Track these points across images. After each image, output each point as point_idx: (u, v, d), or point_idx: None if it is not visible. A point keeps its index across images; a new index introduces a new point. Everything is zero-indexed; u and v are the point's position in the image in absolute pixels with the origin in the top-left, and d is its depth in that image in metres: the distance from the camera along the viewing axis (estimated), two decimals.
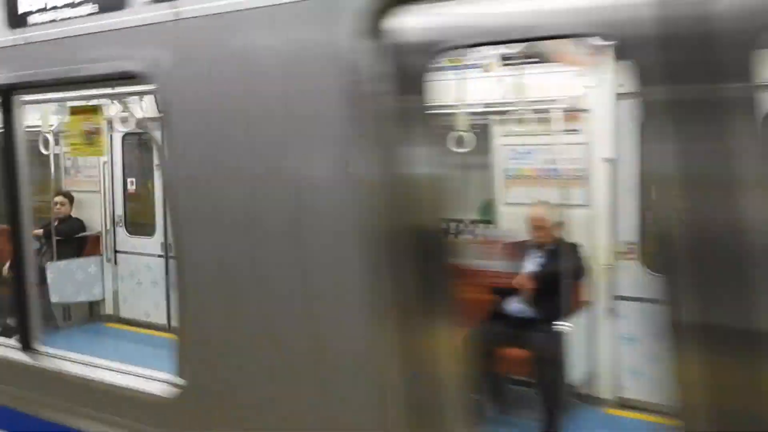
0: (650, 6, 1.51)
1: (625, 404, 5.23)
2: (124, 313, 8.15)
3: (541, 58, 4.83)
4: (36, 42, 2.84)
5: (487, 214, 6.07)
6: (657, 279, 1.56)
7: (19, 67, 2.97)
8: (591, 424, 5.10)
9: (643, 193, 4.96)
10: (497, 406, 5.05)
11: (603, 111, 5.09)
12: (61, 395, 2.83)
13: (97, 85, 3.24)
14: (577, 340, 4.93)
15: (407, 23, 1.95)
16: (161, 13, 2.32)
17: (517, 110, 5.32)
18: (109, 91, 4.50)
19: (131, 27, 2.44)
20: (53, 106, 7.06)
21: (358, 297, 2.00)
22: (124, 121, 5.16)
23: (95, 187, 8.25)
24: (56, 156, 7.80)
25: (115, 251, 8.16)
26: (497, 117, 5.57)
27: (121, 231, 8.14)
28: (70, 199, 8.12)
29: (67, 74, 2.78)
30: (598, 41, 4.73)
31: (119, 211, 8.15)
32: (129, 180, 8.11)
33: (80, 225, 8.11)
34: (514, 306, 5.06)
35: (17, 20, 2.88)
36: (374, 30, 1.95)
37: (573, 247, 5.01)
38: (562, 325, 4.67)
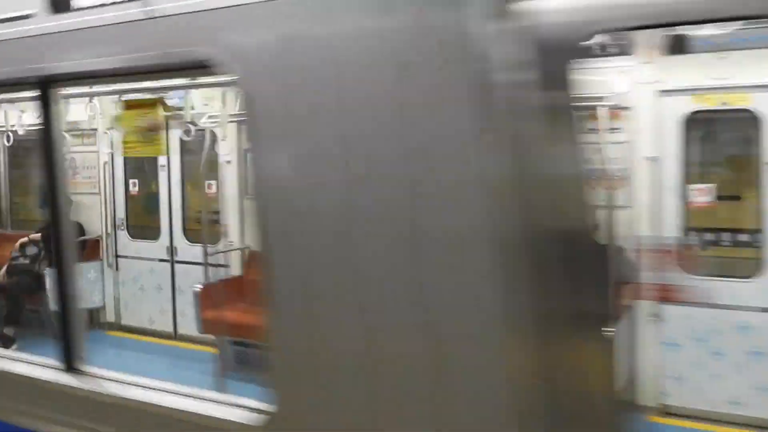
0: None
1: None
2: (126, 320, 7.78)
3: (618, 50, 4.61)
4: (81, 28, 2.55)
5: None
6: None
7: (59, 57, 2.66)
8: None
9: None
10: None
11: (645, 108, 4.91)
12: (117, 424, 2.53)
13: (155, 76, 2.94)
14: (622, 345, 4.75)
15: (550, 1, 1.71)
16: None
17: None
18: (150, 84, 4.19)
19: (204, 10, 2.16)
20: None
21: (491, 307, 1.76)
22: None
23: (94, 188, 7.86)
24: None
25: (116, 256, 7.79)
26: None
27: (123, 234, 7.77)
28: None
29: (118, 64, 2.49)
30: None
31: (121, 213, 7.78)
32: (131, 181, 7.74)
33: (79, 229, 7.72)
34: None
35: (59, 3, 2.58)
36: (508, 11, 1.71)
37: (617, 250, 4.83)
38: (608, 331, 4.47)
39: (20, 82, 2.90)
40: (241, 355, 6.28)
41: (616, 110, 4.86)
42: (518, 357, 1.75)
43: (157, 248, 7.51)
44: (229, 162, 6.90)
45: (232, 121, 6.72)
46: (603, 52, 4.59)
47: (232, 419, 2.21)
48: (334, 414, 2.05)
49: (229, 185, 6.95)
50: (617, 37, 4.34)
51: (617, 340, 4.48)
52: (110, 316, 7.85)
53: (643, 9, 1.65)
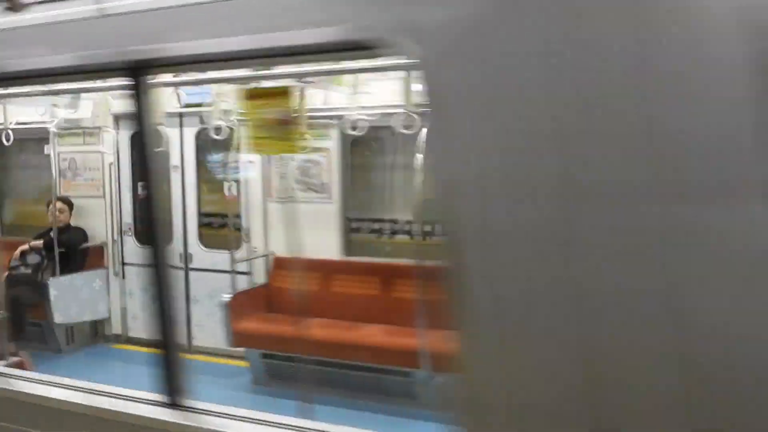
0: None
1: None
2: (134, 332, 7.26)
3: None
4: (184, 5, 2.15)
5: None
6: None
7: (154, 39, 2.26)
8: None
9: None
10: None
11: None
12: None
13: (289, 61, 2.52)
14: None
15: None
16: None
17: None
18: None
19: None
20: (62, 99, 6.21)
21: None
22: None
23: (97, 191, 7.32)
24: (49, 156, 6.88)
25: (123, 263, 7.26)
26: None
27: (130, 241, 7.25)
28: (70, 205, 7.18)
29: (240, 46, 2.10)
30: None
31: (127, 218, 7.25)
32: (140, 183, 7.22)
33: (83, 235, 7.18)
34: None
35: None
36: None
37: None
38: None
39: (104, 68, 2.48)
40: (273, 369, 5.87)
41: None
42: None
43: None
44: (251, 162, 6.47)
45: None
46: None
47: None
48: None
49: (251, 187, 6.52)
50: None
51: None
52: (116, 328, 7.32)
53: None
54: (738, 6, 1.45)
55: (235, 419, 2.30)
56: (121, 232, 7.26)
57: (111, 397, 2.54)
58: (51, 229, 6.87)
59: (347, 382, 5.38)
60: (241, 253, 6.50)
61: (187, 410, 2.34)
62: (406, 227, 6.22)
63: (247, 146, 2.82)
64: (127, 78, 2.34)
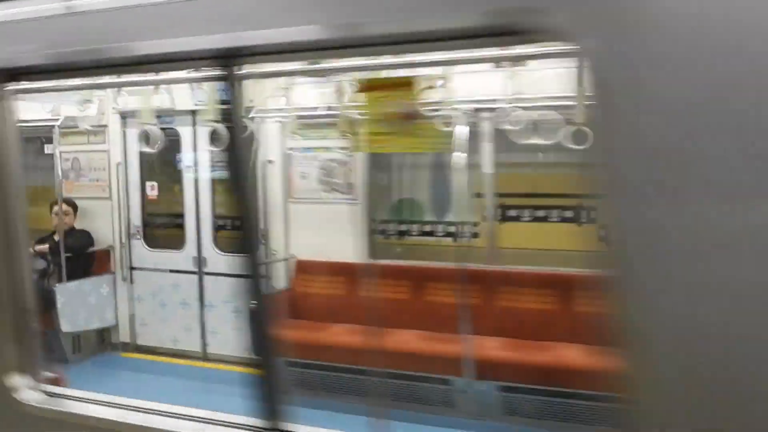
0: None
1: None
2: (144, 340, 6.94)
3: None
4: None
5: None
6: None
7: (249, 25, 2.02)
8: None
9: None
10: None
11: None
12: None
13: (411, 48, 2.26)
14: None
15: None
16: None
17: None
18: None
19: None
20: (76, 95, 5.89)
21: None
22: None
23: (103, 192, 6.99)
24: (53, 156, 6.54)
25: (131, 268, 6.94)
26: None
27: (139, 244, 6.93)
28: (74, 207, 6.84)
29: (358, 33, 1.86)
30: None
31: (136, 221, 6.93)
32: (149, 184, 6.92)
33: (88, 238, 6.84)
34: None
35: None
36: None
37: None
38: None
39: (191, 57, 2.23)
40: (299, 378, 5.61)
41: None
42: None
43: (181, 259, 6.72)
44: (271, 162, 6.21)
45: (273, 117, 6.08)
46: None
47: None
48: None
49: (271, 188, 6.26)
50: None
51: None
52: (124, 336, 6.99)
53: None
54: None
55: None
56: (129, 235, 6.93)
57: (194, 420, 2.29)
58: (54, 233, 6.54)
59: (381, 390, 5.16)
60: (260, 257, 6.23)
61: None
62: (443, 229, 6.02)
63: (365, 144, 2.57)
64: (217, 68, 2.10)
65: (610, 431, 4.71)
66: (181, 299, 6.72)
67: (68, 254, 6.37)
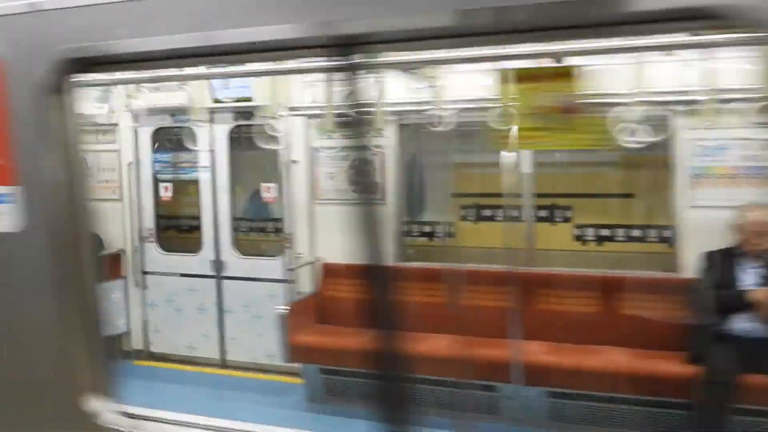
0: None
1: None
2: (157, 347, 6.67)
3: None
4: None
5: None
6: None
7: (374, 10, 1.84)
8: None
9: None
10: None
11: None
12: None
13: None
14: None
15: None
16: None
17: (707, 100, 4.61)
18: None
19: None
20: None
21: None
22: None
23: (113, 194, 6.70)
24: None
25: (144, 272, 6.67)
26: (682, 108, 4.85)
27: (151, 248, 6.65)
28: None
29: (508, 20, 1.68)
30: None
31: (149, 223, 6.65)
32: (163, 185, 6.64)
33: (99, 242, 6.54)
34: (744, 325, 4.37)
35: None
36: None
37: None
38: None
39: (305, 45, 2.03)
40: (334, 385, 5.42)
41: None
42: None
43: (197, 262, 6.47)
44: (295, 161, 6.00)
45: (296, 114, 5.89)
46: None
47: None
48: None
49: (294, 188, 6.05)
50: None
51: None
52: (136, 343, 6.71)
53: None
54: None
55: None
56: (141, 239, 6.66)
57: None
58: None
59: (420, 397, 4.99)
60: (284, 261, 6.03)
61: None
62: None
63: (518, 141, 2.36)
64: (333, 57, 1.91)
65: None
66: (198, 304, 6.47)
67: None
